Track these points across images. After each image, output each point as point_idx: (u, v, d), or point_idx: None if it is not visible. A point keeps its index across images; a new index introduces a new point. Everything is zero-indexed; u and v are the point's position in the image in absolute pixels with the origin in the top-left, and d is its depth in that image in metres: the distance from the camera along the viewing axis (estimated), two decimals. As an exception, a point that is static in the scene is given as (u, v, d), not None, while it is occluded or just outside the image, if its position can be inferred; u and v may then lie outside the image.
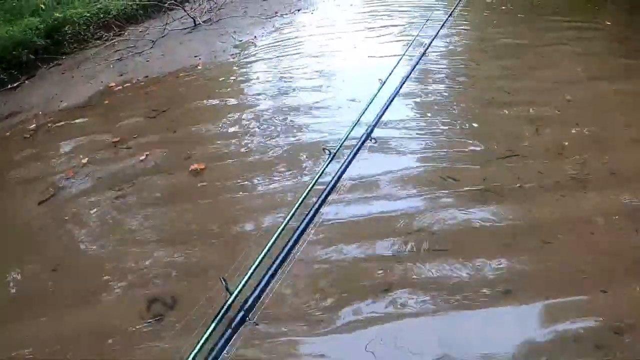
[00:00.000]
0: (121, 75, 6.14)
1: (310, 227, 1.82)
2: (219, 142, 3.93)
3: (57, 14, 7.21)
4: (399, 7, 7.82)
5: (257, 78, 5.43)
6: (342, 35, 6.61)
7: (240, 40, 6.90)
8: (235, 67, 5.77)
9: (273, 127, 4.07)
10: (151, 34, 7.76)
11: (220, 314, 1.23)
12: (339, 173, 2.09)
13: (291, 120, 4.16)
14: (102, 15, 8.08)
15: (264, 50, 6.34)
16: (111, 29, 8.25)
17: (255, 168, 3.45)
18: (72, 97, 5.48)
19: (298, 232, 1.70)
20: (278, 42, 6.69)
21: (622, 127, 3.61)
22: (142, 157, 3.80)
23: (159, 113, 4.63)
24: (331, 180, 2.01)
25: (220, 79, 5.42)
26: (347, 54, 5.80)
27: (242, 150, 3.77)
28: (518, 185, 2.98)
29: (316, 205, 1.86)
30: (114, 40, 8.08)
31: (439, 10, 7.26)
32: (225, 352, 1.21)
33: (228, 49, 6.60)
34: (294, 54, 6.00)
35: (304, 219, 1.79)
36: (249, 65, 5.82)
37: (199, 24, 7.91)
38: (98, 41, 8.14)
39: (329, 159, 2.15)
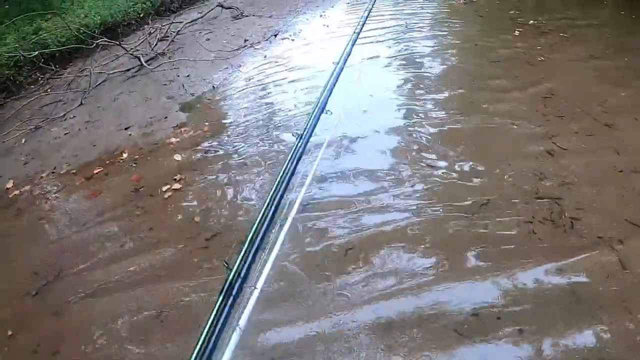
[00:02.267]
0: (26, 164, 4.39)
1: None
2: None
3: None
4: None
5: (208, 199, 3.38)
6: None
7: (192, 95, 5.04)
8: (176, 158, 3.91)
9: None
10: (88, 79, 5.98)
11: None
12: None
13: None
14: (37, 53, 6.37)
15: (225, 112, 4.50)
16: (48, 69, 6.52)
17: None
18: None
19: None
20: (245, 95, 4.84)
21: None
22: None
23: (42, 287, 2.87)
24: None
25: (147, 198, 3.54)
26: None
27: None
28: None
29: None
30: (47, 87, 6.37)
31: None
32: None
33: (173, 110, 4.76)
34: (265, 126, 4.15)
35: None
36: (196, 158, 3.90)
37: (144, 65, 6.04)
38: (33, 86, 6.50)
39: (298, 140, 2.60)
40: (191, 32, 7.59)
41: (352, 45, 5.46)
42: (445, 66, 4.82)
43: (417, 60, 5.02)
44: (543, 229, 2.61)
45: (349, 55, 5.21)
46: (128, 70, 6.20)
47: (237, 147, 3.86)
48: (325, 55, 5.40)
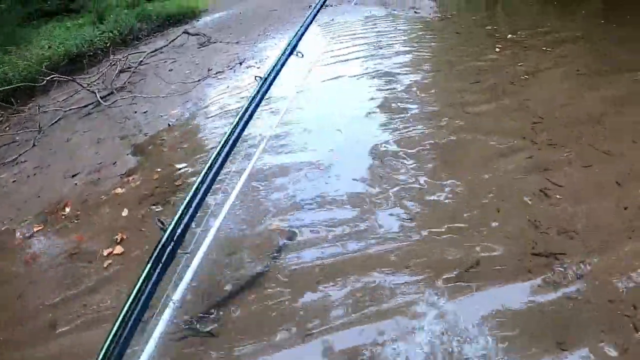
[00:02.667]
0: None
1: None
2: None
3: None
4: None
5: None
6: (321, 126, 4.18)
7: (146, 134, 4.58)
8: (122, 214, 3.41)
9: None
10: (45, 116, 5.54)
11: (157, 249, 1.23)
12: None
13: None
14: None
15: (178, 156, 4.03)
16: (8, 106, 6.08)
17: None
18: None
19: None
20: (201, 132, 4.39)
21: None
22: None
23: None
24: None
25: (83, 267, 3.03)
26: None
27: None
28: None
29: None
30: (6, 125, 5.96)
31: None
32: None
33: (124, 154, 4.29)
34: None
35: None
36: (142, 214, 3.36)
37: (100, 102, 5.58)
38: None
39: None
40: (155, 62, 7.18)
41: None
42: (418, 91, 4.37)
43: (385, 85, 4.57)
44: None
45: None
46: (85, 106, 5.75)
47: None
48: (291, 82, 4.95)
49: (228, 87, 5.30)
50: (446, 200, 2.81)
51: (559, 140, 3.24)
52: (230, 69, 5.82)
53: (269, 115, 4.15)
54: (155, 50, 7.85)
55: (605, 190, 2.70)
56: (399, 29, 6.57)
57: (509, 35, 5.66)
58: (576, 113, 3.56)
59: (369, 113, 3.99)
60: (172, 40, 7.91)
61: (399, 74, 4.73)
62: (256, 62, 5.94)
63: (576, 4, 7.03)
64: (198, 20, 10.91)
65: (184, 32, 8.00)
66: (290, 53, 2.35)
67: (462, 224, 2.59)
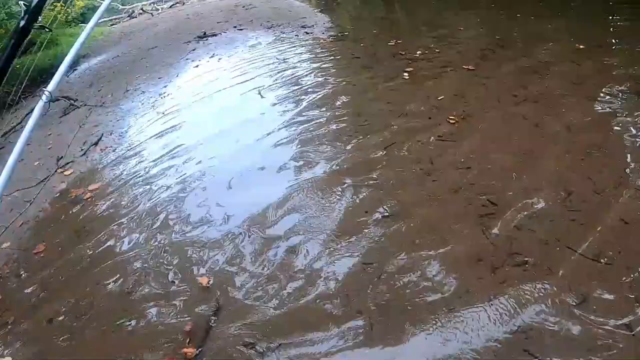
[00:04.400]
0: None
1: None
2: None
3: None
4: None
5: None
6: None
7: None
8: None
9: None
10: None
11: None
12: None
13: None
14: None
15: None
16: None
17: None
18: None
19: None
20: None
21: None
22: None
23: None
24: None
25: None
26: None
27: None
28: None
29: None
30: None
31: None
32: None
33: None
34: None
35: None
36: None
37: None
38: None
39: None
40: (9, 147, 5.84)
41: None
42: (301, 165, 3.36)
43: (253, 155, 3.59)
44: None
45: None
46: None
47: None
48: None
49: (67, 190, 4.08)
50: None
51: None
52: (83, 154, 4.66)
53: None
54: (11, 129, 6.50)
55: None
56: (286, 63, 5.64)
57: (418, 52, 4.92)
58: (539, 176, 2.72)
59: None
60: (28, 114, 6.56)
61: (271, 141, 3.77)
62: (115, 139, 4.83)
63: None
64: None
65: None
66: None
67: None
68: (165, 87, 6.05)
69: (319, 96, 4.40)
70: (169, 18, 12.56)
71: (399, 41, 5.80)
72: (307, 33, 7.01)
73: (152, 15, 14.69)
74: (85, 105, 6.43)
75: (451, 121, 3.39)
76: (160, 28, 10.89)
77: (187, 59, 7.28)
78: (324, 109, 4.10)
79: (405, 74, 4.62)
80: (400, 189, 2.74)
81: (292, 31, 7.29)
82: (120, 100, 6.08)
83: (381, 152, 3.16)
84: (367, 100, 4.16)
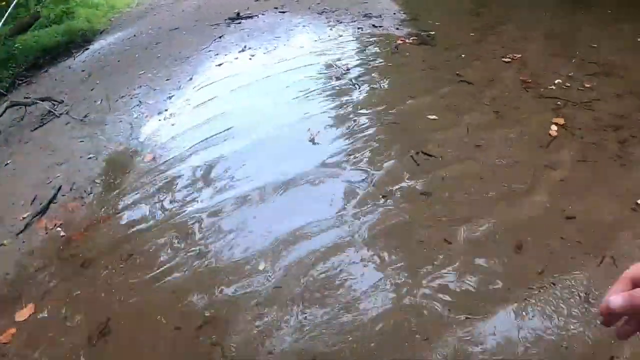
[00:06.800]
0: None
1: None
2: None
3: None
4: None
5: None
6: None
7: None
8: None
9: None
10: None
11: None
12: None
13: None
14: None
15: None
16: None
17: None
18: None
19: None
20: None
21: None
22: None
23: None
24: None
25: None
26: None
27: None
28: None
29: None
30: None
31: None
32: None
33: None
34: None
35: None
36: None
37: None
38: None
39: None
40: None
41: None
42: None
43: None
44: None
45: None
46: None
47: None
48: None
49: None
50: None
51: None
52: (20, 232, 2.91)
53: None
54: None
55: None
56: (351, 81, 3.68)
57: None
58: None
59: None
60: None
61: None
62: (74, 197, 3.05)
63: None
64: (87, 49, 7.83)
65: (9, 106, 4.92)
66: None
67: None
68: (169, 98, 4.25)
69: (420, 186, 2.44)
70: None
71: (515, 55, 3.73)
72: (374, 26, 4.95)
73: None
74: (66, 114, 4.70)
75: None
76: (189, 3, 8.96)
77: (209, 52, 5.40)
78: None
79: (554, 130, 2.61)
80: None
81: (353, 21, 5.23)
82: (107, 114, 4.31)
83: None
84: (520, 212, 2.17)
